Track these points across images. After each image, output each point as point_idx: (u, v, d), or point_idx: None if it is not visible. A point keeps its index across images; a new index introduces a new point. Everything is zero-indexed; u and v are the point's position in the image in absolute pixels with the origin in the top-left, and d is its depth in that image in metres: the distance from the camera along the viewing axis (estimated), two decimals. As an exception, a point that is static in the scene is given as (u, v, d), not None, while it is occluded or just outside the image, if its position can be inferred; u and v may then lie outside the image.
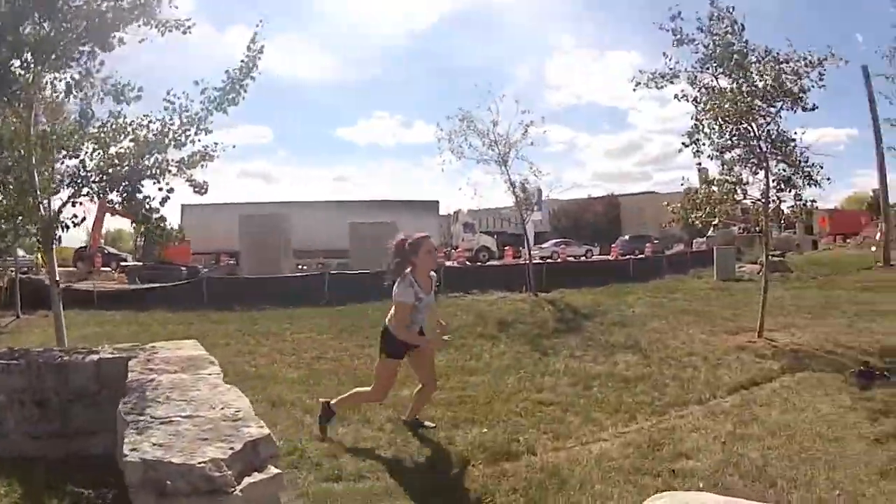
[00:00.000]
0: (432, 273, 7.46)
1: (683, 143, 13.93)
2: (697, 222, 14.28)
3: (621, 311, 17.92)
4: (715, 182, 13.92)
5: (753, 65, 13.20)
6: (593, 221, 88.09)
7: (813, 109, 13.37)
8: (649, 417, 8.29)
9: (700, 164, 14.33)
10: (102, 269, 37.29)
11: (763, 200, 13.70)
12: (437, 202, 51.37)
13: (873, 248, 39.40)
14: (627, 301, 20.09)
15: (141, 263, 35.15)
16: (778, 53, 13.16)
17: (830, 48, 12.99)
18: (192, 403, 4.73)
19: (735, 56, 13.03)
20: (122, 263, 39.53)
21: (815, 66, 13.02)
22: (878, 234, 37.43)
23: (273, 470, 3.98)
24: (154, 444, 3.88)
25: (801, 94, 13.15)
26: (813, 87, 13.15)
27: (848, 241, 59.34)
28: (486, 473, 6.35)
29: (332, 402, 7.61)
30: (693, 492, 4.47)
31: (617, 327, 15.36)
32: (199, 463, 3.63)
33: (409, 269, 7.11)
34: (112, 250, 42.64)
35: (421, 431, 7.57)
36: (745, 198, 14.02)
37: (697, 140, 13.78)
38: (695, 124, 13.70)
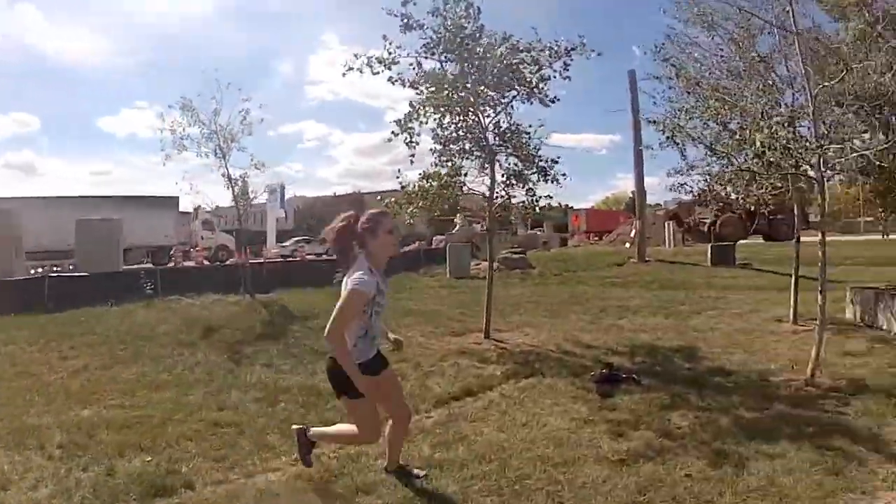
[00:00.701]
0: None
1: (393, 133, 13.30)
2: (409, 218, 13.70)
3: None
4: (430, 175, 13.40)
5: (487, 50, 12.70)
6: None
7: (553, 102, 13.29)
8: (334, 440, 7.37)
9: (413, 155, 13.48)
10: None
11: (487, 195, 13.52)
12: (177, 198, 49.30)
13: (627, 245, 41.27)
14: (347, 302, 18.39)
15: None
16: (518, 41, 12.80)
17: (582, 38, 12.79)
18: None
19: (466, 41, 12.52)
20: None
21: (560, 56, 12.82)
22: (633, 231, 38.20)
23: None
24: None
25: (538, 85, 12.95)
26: (555, 77, 13.02)
27: (602, 238, 61.16)
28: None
29: (310, 432, 6.32)
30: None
31: (328, 331, 13.63)
32: None
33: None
34: None
35: None
36: (462, 192, 13.76)
37: (411, 129, 13.13)
38: (409, 112, 13.11)
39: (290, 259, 46.45)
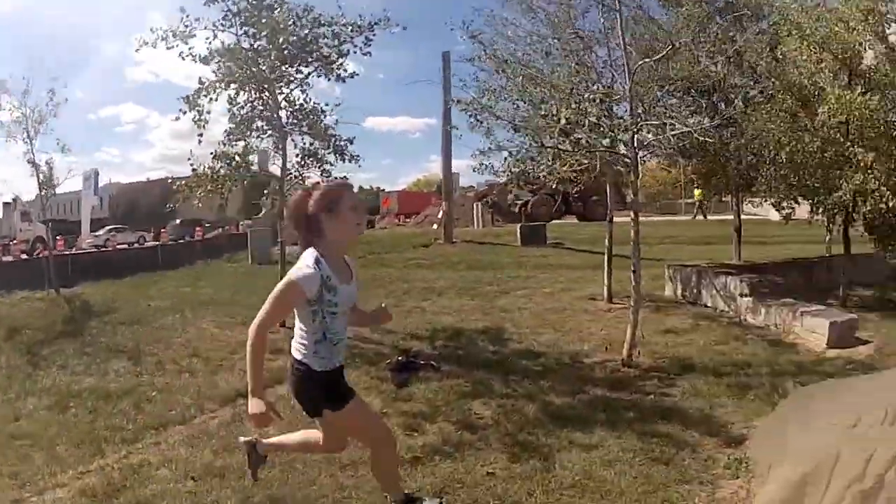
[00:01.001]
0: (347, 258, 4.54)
1: (181, 111, 12.67)
2: (197, 201, 13.31)
3: (137, 306, 16.12)
4: (219, 156, 12.92)
5: (284, 23, 12.28)
6: (152, 205, 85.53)
7: (351, 77, 13.22)
8: (119, 448, 6.92)
9: (201, 134, 12.91)
10: None
11: (280, 176, 13.11)
12: (-3, 190, 47.01)
13: (434, 226, 40.57)
14: (150, 293, 18.61)
15: None
16: (320, 14, 12.52)
17: (386, 12, 12.70)
18: None
19: (263, 12, 12.15)
20: None
21: (362, 31, 12.68)
22: (441, 213, 38.09)
23: None
24: None
25: (336, 60, 12.85)
26: (356, 52, 12.92)
27: (409, 219, 61.32)
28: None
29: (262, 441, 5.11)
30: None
31: (125, 326, 13.73)
32: None
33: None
34: None
35: None
36: (249, 172, 13.39)
37: (200, 107, 12.51)
38: (198, 88, 12.54)
39: (104, 249, 45.93)
